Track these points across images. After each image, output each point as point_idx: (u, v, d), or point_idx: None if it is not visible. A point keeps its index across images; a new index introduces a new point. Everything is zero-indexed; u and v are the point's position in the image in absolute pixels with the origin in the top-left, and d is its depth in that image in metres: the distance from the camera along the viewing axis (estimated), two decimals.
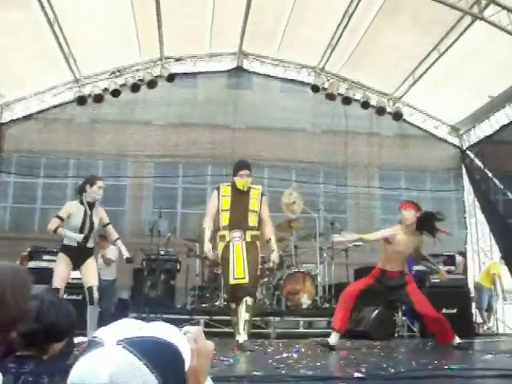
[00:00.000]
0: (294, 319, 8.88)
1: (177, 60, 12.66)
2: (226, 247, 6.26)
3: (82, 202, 6.59)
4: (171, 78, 12.33)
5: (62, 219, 6.50)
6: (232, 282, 6.06)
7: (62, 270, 6.41)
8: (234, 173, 6.56)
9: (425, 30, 10.48)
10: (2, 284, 1.74)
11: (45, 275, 7.43)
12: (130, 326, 1.04)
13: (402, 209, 6.44)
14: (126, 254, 6.73)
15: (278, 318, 8.57)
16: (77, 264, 6.46)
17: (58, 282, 6.34)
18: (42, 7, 9.59)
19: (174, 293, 9.46)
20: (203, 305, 9.21)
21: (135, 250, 9.67)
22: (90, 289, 6.40)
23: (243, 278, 6.02)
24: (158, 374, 0.97)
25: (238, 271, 6.05)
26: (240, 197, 6.46)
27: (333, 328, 6.30)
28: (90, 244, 6.56)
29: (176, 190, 13.47)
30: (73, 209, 6.54)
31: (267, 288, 9.27)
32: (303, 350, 6.02)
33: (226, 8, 10.82)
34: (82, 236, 6.41)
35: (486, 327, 10.46)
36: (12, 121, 12.31)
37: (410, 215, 6.31)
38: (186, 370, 1.07)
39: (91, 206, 6.61)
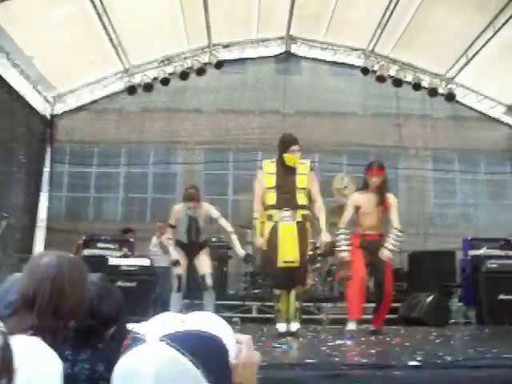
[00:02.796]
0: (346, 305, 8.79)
1: (225, 47, 12.65)
2: (274, 229, 5.78)
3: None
4: (220, 64, 12.36)
5: (172, 226, 7.09)
6: (280, 264, 5.61)
7: (179, 260, 7.02)
8: (284, 149, 6.02)
9: (478, 7, 10.13)
10: (60, 275, 1.78)
11: (99, 263, 7.62)
12: (172, 321, 1.02)
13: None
14: (239, 253, 7.04)
15: (330, 304, 8.52)
16: (190, 256, 7.08)
17: (179, 269, 6.99)
18: (91, 0, 9.69)
19: (226, 279, 9.50)
20: (255, 291, 9.23)
21: None
22: (203, 276, 6.94)
23: (293, 262, 5.60)
24: (204, 368, 0.95)
25: (289, 253, 5.61)
26: (287, 173, 5.95)
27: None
28: (200, 239, 7.09)
29: (227, 176, 13.50)
30: (178, 214, 7.03)
31: (319, 274, 9.22)
32: (357, 336, 5.96)
33: None
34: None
35: None
36: (64, 112, 12.55)
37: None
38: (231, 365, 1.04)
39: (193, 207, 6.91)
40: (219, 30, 11.85)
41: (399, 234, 6.57)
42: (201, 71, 12.24)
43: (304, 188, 5.91)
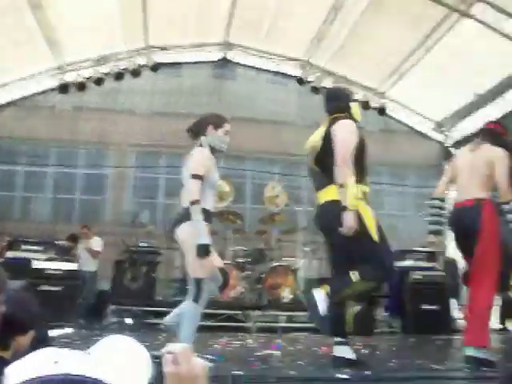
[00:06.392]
0: (274, 313, 8.83)
1: (161, 49, 12.53)
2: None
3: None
4: (156, 67, 12.26)
5: (202, 179, 4.15)
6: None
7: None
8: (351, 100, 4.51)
9: (413, 26, 10.43)
10: None
11: (22, 266, 7.36)
12: (45, 361, 0.88)
13: None
14: None
15: (258, 312, 8.51)
16: None
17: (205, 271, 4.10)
18: None
19: (154, 285, 9.35)
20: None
21: (116, 240, 9.61)
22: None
23: None
24: None
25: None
26: None
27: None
28: None
29: (158, 180, 13.34)
30: (207, 159, 4.27)
31: (249, 282, 9.21)
32: (284, 345, 5.98)
33: None
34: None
35: None
36: None
37: None
38: None
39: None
40: (157, 32, 11.73)
41: None
42: (136, 73, 12.10)
43: None
